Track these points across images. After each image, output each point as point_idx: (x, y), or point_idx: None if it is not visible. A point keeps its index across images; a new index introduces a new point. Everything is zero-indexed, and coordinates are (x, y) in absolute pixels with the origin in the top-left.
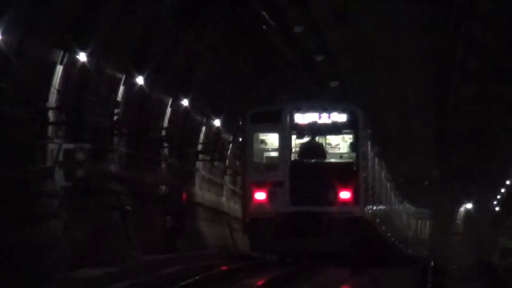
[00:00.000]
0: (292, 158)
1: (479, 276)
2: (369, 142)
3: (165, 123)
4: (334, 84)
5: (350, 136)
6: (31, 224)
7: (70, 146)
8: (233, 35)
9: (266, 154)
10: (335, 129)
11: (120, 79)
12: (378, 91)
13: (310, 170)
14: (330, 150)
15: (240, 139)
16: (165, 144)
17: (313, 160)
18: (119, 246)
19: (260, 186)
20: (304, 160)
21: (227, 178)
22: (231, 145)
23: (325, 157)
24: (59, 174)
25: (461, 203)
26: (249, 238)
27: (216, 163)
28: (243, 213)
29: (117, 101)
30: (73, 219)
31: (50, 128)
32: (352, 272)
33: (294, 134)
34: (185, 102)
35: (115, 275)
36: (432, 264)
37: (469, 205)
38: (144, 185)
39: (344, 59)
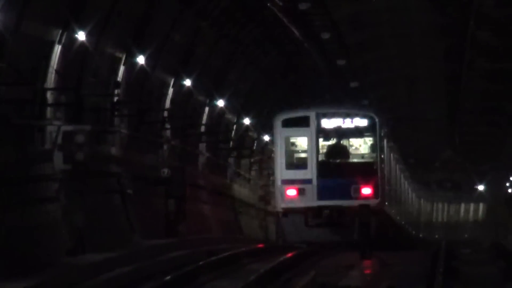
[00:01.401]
0: (319, 159)
1: (493, 259)
2: (386, 142)
3: (167, 103)
4: (341, 62)
5: (370, 138)
6: (30, 208)
7: (70, 128)
8: (237, 12)
9: (296, 155)
10: (357, 132)
11: (120, 59)
12: (388, 69)
13: (335, 169)
14: (352, 151)
15: (272, 142)
16: (167, 125)
17: (338, 160)
18: (120, 230)
19: (291, 183)
20: (330, 160)
21: (231, 160)
22: (235, 126)
23: (348, 157)
24: (58, 157)
25: (473, 184)
26: (281, 229)
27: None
28: (276, 207)
29: (118, 81)
30: (73, 203)
31: (48, 109)
32: (362, 256)
33: (321, 137)
34: (187, 82)
35: (115, 260)
36: (443, 247)
37: (481, 187)
38: (146, 168)
39: (352, 36)
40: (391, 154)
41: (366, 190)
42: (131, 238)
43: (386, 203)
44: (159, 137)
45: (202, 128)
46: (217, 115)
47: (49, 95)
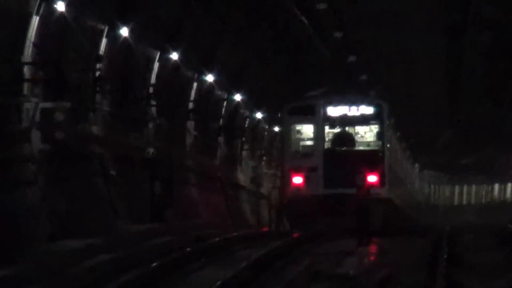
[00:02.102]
0: (325, 147)
1: (497, 246)
2: (392, 131)
3: (153, 79)
4: (338, 35)
5: (376, 126)
6: (6, 192)
7: (48, 105)
8: None
9: (302, 143)
10: (363, 120)
11: (102, 31)
12: (385, 45)
13: (341, 157)
14: (358, 139)
15: (279, 130)
16: (153, 103)
17: (343, 148)
18: (103, 215)
19: (297, 171)
20: (336, 148)
21: (221, 139)
22: (225, 103)
23: (354, 145)
24: (36, 136)
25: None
26: (287, 217)
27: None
28: (282, 195)
29: (100, 56)
30: (52, 186)
31: (25, 85)
32: (359, 243)
33: (326, 125)
34: (174, 56)
35: (98, 246)
36: (446, 233)
37: None
38: (130, 148)
39: (349, 9)
40: (398, 142)
41: (372, 178)
42: (115, 223)
43: (392, 191)
44: (144, 115)
45: (190, 105)
46: (206, 92)
47: (26, 70)
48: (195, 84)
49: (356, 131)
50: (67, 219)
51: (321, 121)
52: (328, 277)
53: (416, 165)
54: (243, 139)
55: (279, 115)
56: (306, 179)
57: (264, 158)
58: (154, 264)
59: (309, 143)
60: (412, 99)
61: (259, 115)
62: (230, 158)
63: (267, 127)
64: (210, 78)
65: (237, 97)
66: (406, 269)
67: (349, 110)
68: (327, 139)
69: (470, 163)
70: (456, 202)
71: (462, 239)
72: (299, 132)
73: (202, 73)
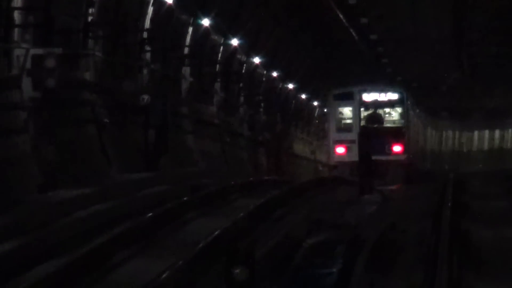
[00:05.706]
0: (361, 124)
1: (506, 193)
2: (412, 111)
3: (147, 23)
4: None
5: (400, 108)
6: None
7: (39, 51)
8: None
9: (343, 121)
10: (390, 104)
11: None
12: None
13: (373, 132)
14: (386, 118)
15: (325, 111)
16: (147, 48)
17: (375, 125)
18: (95, 164)
19: (340, 143)
20: (369, 125)
21: (217, 85)
22: (221, 48)
23: (383, 123)
24: (26, 83)
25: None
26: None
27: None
28: (329, 161)
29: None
30: (43, 134)
31: (15, 31)
32: (361, 192)
33: (362, 107)
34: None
35: (90, 196)
36: (451, 181)
37: None
38: (123, 95)
39: None
40: (416, 119)
41: (397, 148)
42: (108, 172)
43: (411, 156)
44: (137, 60)
45: (185, 50)
46: (202, 36)
47: (16, 15)
48: (190, 29)
49: (384, 112)
50: (58, 168)
51: (358, 104)
52: (329, 226)
53: (424, 115)
54: (241, 85)
55: (326, 98)
56: (347, 149)
57: (262, 104)
58: (149, 214)
59: (349, 121)
60: (415, 40)
61: (256, 60)
62: (227, 105)
63: (265, 72)
64: (206, 22)
65: (234, 42)
66: (411, 217)
67: (379, 96)
68: (362, 118)
69: (478, 107)
70: (465, 148)
71: (469, 187)
72: (341, 113)
73: (197, 16)
